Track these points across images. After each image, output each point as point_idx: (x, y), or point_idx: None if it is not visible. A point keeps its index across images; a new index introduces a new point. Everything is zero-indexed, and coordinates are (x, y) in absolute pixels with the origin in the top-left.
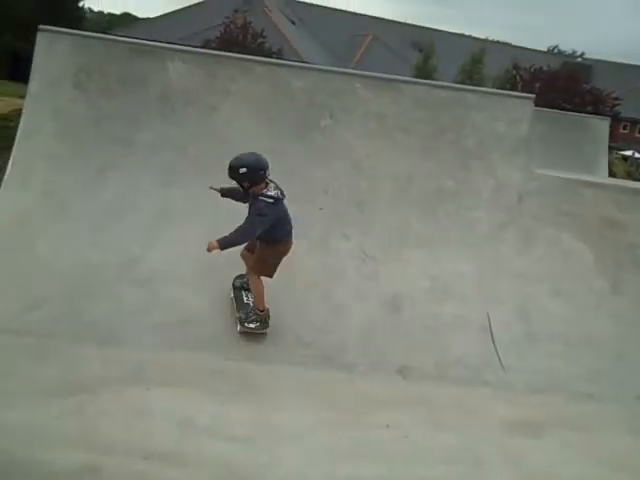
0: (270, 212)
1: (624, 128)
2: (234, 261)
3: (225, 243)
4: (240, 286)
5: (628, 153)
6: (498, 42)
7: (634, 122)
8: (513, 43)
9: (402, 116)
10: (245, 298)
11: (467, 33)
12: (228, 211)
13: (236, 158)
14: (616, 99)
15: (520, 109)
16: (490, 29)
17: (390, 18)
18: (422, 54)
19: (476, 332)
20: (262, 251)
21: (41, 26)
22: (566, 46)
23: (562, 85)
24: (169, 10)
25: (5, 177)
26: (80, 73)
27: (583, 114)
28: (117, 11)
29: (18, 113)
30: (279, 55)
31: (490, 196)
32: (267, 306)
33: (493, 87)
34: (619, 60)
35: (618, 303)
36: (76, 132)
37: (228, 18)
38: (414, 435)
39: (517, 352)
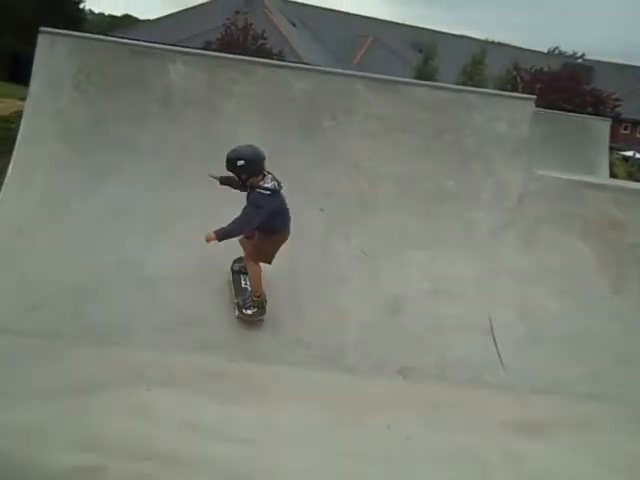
0: (267, 204)
1: (625, 129)
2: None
3: (223, 234)
4: (238, 270)
5: (629, 154)
6: (499, 43)
7: (635, 123)
8: (513, 44)
9: (403, 117)
10: (243, 282)
11: (467, 34)
12: (229, 212)
13: (233, 150)
14: (617, 100)
15: (521, 110)
16: (490, 30)
17: (390, 19)
18: (423, 55)
19: (477, 333)
20: (260, 240)
21: (42, 28)
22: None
23: (563, 86)
24: (170, 12)
25: (6, 179)
26: (81, 75)
27: (584, 115)
28: (118, 13)
29: (19, 115)
30: (280, 57)
31: (491, 197)
32: (264, 291)
33: (494, 88)
34: (620, 61)
35: (619, 303)
36: (77, 134)
37: (229, 20)
38: (415, 436)
39: (518, 353)
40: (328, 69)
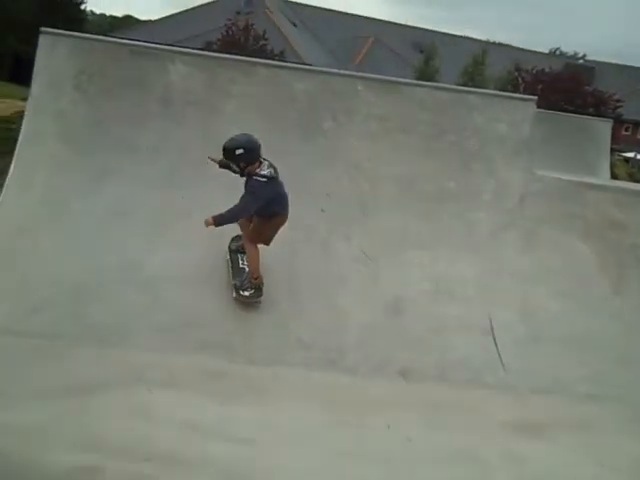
0: (264, 191)
1: (626, 130)
2: None
3: (220, 220)
4: (236, 249)
5: (630, 155)
6: (499, 43)
7: (636, 124)
8: (515, 45)
9: (403, 118)
10: (241, 262)
11: (468, 35)
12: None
13: (231, 140)
14: (618, 101)
15: (522, 111)
16: (491, 31)
17: (391, 20)
18: (424, 56)
19: (478, 333)
20: (259, 224)
21: (43, 28)
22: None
23: (564, 87)
24: (170, 13)
25: (7, 179)
26: (82, 75)
27: (585, 116)
28: (119, 13)
29: (20, 115)
30: (281, 57)
31: (491, 197)
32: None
33: (495, 89)
34: (621, 62)
35: (620, 304)
36: (78, 134)
37: (230, 20)
38: (416, 436)
39: (518, 353)
40: (329, 69)
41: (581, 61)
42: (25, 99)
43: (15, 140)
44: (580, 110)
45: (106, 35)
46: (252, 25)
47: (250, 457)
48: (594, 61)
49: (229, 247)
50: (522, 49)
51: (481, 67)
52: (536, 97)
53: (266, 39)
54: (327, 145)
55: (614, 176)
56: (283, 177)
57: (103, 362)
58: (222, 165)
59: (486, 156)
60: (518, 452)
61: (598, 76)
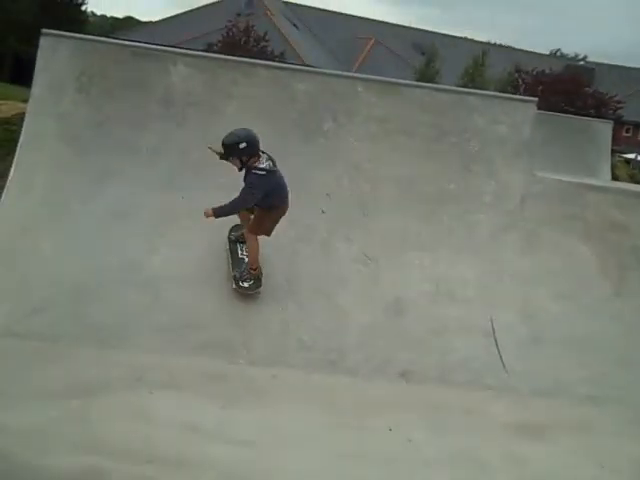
0: (263, 184)
1: (627, 131)
2: None
3: (220, 212)
4: (235, 239)
5: (631, 156)
6: (500, 45)
7: (637, 125)
8: (515, 46)
9: (404, 119)
10: (240, 252)
11: (469, 36)
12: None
13: (231, 135)
14: (619, 102)
15: (522, 112)
16: (492, 32)
17: (392, 21)
18: (424, 57)
19: (478, 335)
20: (259, 216)
21: (44, 30)
22: (568, 49)
23: (564, 88)
24: (172, 14)
25: (8, 180)
26: (83, 76)
27: (586, 117)
28: (120, 15)
29: (21, 117)
30: (282, 58)
31: (492, 199)
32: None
33: (495, 90)
34: (622, 63)
35: (621, 306)
36: (79, 135)
37: (231, 22)
38: (416, 438)
39: (519, 355)
40: (329, 71)
41: (582, 63)
42: (26, 100)
43: (16, 141)
44: (581, 112)
45: (107, 36)
46: (253, 26)
47: (250, 459)
48: (595, 63)
49: (228, 237)
50: (522, 50)
51: (481, 68)
52: (536, 98)
53: (267, 40)
54: (327, 146)
55: (615, 177)
56: (284, 178)
57: (103, 363)
58: (223, 157)
59: (486, 158)
60: (519, 454)
61: (599, 77)
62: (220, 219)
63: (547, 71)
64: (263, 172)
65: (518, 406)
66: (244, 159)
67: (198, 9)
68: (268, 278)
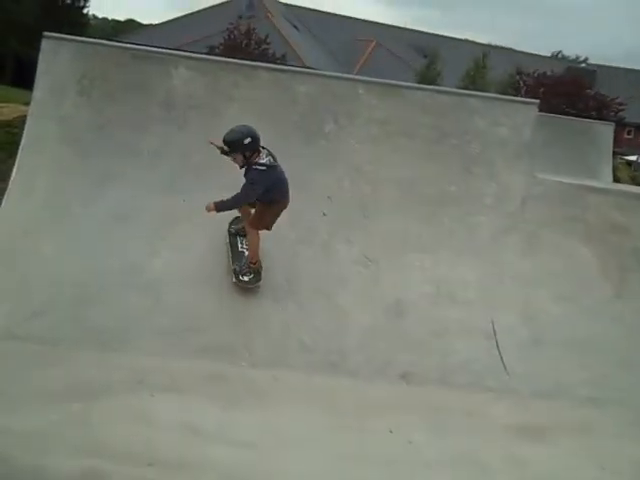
0: (264, 179)
1: (628, 133)
2: None
3: (222, 206)
4: (235, 232)
5: (632, 158)
6: (501, 47)
7: (638, 127)
8: (516, 48)
9: (405, 121)
10: (240, 245)
11: (470, 38)
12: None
13: (234, 132)
14: (620, 104)
15: (523, 114)
16: (493, 34)
17: (393, 24)
18: (425, 59)
19: (479, 337)
20: (260, 210)
21: (46, 33)
22: (570, 51)
23: (566, 90)
24: (173, 17)
25: (10, 183)
26: (84, 79)
27: (587, 119)
28: (121, 17)
29: (22, 119)
30: (282, 61)
31: (493, 201)
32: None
33: (496, 92)
34: (623, 65)
35: (621, 307)
36: (80, 138)
37: (232, 24)
38: (417, 440)
39: (520, 357)
40: (330, 73)
41: (583, 65)
42: (27, 103)
43: (17, 144)
44: (582, 114)
45: (108, 39)
46: (254, 29)
47: (251, 461)
48: (596, 65)
49: (228, 230)
50: (524, 52)
51: (482, 70)
52: (538, 100)
53: (268, 43)
54: (328, 148)
55: (616, 179)
56: None
57: (104, 366)
58: (223, 152)
59: (487, 160)
60: (520, 455)
61: (600, 79)
62: (220, 219)
63: (548, 73)
64: (264, 167)
65: (519, 408)
66: (247, 154)
67: (199, 12)
68: (269, 280)
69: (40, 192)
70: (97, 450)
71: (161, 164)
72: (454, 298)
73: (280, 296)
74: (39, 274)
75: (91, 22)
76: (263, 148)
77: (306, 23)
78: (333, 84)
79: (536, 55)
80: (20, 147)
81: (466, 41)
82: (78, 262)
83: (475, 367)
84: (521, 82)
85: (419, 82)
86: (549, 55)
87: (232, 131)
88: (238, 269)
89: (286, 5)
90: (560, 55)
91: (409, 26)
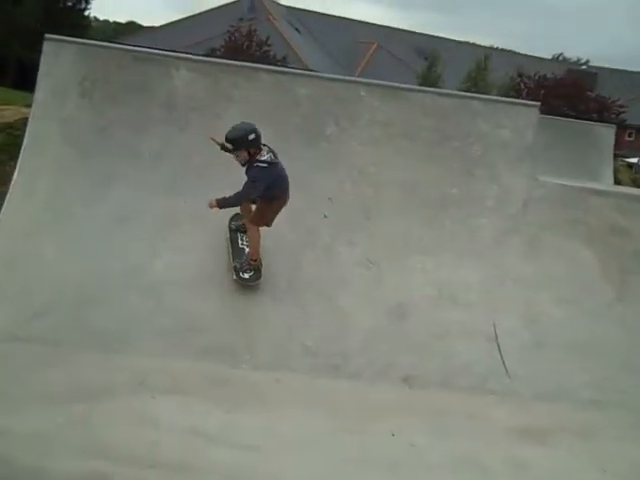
0: (265, 176)
1: (629, 135)
2: None
3: (224, 203)
4: (236, 229)
5: (633, 160)
6: (502, 49)
7: (639, 129)
8: (517, 50)
9: (407, 123)
10: (240, 242)
11: (471, 41)
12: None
13: (237, 129)
14: (621, 106)
15: (525, 117)
16: (494, 37)
17: (394, 26)
18: (427, 62)
19: (481, 339)
20: (261, 207)
21: (47, 35)
22: (571, 53)
23: (567, 92)
24: (174, 19)
25: (12, 185)
26: (86, 81)
27: (588, 122)
28: (122, 20)
29: (24, 121)
30: (283, 63)
31: (495, 203)
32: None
33: (497, 94)
34: (624, 67)
35: (623, 310)
36: (82, 140)
37: (233, 26)
38: (419, 442)
39: (523, 359)
40: (332, 75)
41: (584, 67)
42: (29, 105)
43: (19, 146)
44: (583, 116)
45: (110, 41)
46: (255, 31)
47: (254, 463)
48: (597, 67)
49: (229, 226)
50: (525, 55)
51: (484, 73)
52: (539, 103)
53: (269, 45)
54: (330, 150)
55: (617, 182)
56: None
57: (106, 367)
58: (224, 147)
59: (489, 162)
60: (521, 458)
61: (601, 82)
62: (221, 220)
63: (549, 75)
64: (265, 164)
65: (521, 411)
66: (251, 151)
67: (200, 14)
68: (271, 281)
69: (42, 194)
70: (98, 452)
71: (162, 165)
72: (456, 301)
73: (282, 298)
74: (41, 275)
75: (92, 24)
76: (264, 145)
77: (307, 25)
78: (335, 86)
79: (537, 57)
80: (22, 149)
81: (467, 43)
82: (79, 263)
83: (477, 370)
84: (522, 84)
85: (420, 84)
86: (550, 57)
87: (235, 128)
88: (238, 266)
89: (287, 7)
90: (561, 57)
91: (410, 29)
